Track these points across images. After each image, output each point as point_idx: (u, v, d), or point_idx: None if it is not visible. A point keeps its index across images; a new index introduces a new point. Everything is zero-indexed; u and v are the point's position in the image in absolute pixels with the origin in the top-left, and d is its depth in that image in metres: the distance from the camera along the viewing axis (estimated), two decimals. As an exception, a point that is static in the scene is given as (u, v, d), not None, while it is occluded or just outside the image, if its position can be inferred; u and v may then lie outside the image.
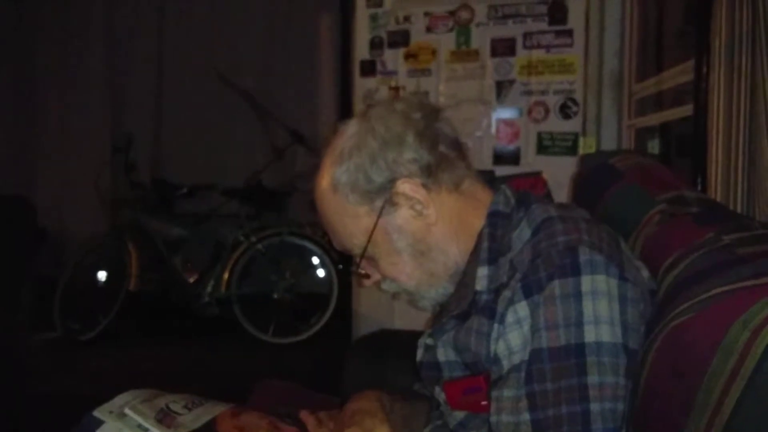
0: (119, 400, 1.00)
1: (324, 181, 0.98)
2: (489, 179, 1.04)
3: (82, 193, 4.69)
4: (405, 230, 0.96)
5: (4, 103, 4.89)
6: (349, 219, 0.97)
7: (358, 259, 0.99)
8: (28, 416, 2.33)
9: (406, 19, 2.84)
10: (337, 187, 0.96)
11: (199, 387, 1.16)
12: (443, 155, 0.96)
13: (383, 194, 0.95)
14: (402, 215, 0.95)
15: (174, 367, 3.31)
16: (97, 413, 0.97)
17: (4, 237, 2.34)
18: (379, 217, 0.95)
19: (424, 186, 0.95)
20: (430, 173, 0.95)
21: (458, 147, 0.99)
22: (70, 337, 3.79)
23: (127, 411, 0.96)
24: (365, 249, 0.97)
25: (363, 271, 1.01)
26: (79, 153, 4.85)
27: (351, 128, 0.97)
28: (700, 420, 0.67)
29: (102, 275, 4.08)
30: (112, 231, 4.06)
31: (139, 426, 0.95)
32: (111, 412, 0.97)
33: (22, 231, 2.46)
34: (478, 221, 0.96)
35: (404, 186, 0.94)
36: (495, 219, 0.95)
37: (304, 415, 1.06)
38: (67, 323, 3.81)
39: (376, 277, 1.01)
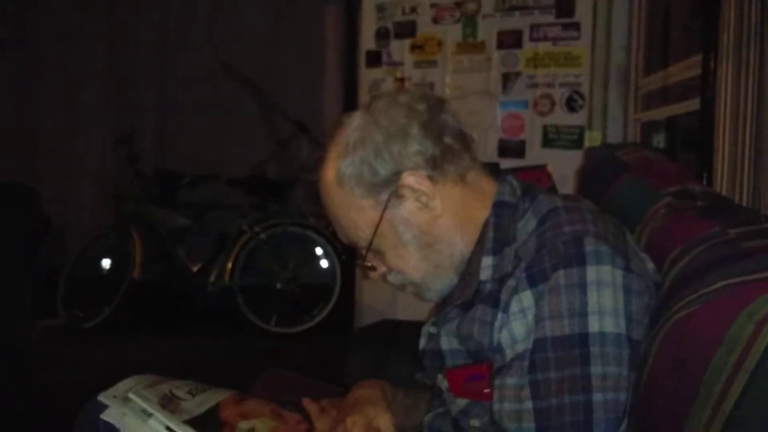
0: (123, 385, 1.01)
1: (329, 174, 0.98)
2: (494, 171, 1.04)
3: (87, 183, 4.71)
4: (411, 222, 0.96)
5: (8, 93, 4.89)
6: (355, 212, 0.97)
7: (364, 252, 0.99)
8: (31, 403, 2.35)
9: (413, 9, 2.83)
10: (343, 180, 0.96)
11: (202, 376, 1.17)
12: (448, 147, 0.95)
13: (389, 187, 0.94)
14: (408, 208, 0.95)
15: (176, 356, 3.32)
16: (101, 398, 0.98)
17: (9, 225, 2.35)
18: (384, 209, 0.95)
19: (430, 178, 0.95)
20: (435, 165, 0.94)
21: (463, 138, 0.99)
22: (73, 326, 3.80)
23: (131, 396, 0.96)
24: (371, 242, 0.97)
25: (369, 264, 1.01)
26: (83, 143, 4.85)
27: (355, 121, 0.97)
28: (703, 411, 0.67)
29: (106, 264, 4.09)
30: (116, 221, 4.07)
31: (143, 411, 0.95)
32: (115, 397, 0.98)
33: (28, 219, 2.46)
34: (483, 212, 0.96)
35: (409, 178, 0.94)
36: (500, 209, 0.95)
37: (307, 403, 1.07)
38: (70, 311, 3.83)
39: (382, 269, 1.01)
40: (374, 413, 0.98)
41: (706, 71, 1.68)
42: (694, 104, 1.92)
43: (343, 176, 0.95)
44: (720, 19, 1.59)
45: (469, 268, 0.95)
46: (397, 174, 0.94)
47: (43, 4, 4.88)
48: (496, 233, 0.93)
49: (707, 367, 0.67)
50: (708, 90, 1.67)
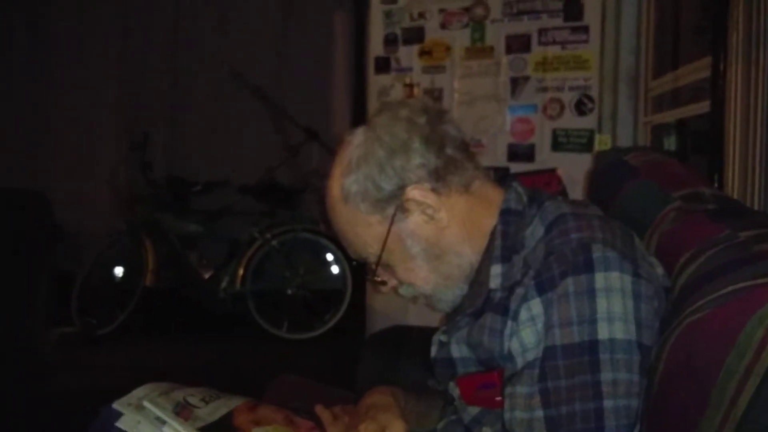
0: (138, 392, 1.02)
1: (334, 191, 0.98)
2: (501, 177, 1.05)
3: (99, 190, 4.74)
4: (418, 235, 0.96)
5: (22, 100, 4.95)
6: (362, 228, 0.98)
7: (374, 267, 1.00)
8: (46, 410, 2.37)
9: (421, 15, 2.84)
10: (348, 198, 0.96)
11: (214, 382, 1.18)
12: (451, 158, 0.96)
13: (394, 202, 0.95)
14: (414, 221, 0.96)
15: (188, 362, 3.34)
16: (116, 405, 0.99)
17: (22, 232, 2.37)
18: (391, 224, 0.96)
19: (434, 190, 0.95)
20: (438, 177, 0.95)
21: (465, 148, 0.99)
22: (87, 333, 3.83)
23: (145, 403, 0.97)
24: (380, 257, 0.97)
25: (379, 279, 1.02)
26: (95, 150, 4.89)
27: (357, 138, 0.98)
28: (715, 416, 0.67)
29: (119, 271, 4.12)
30: (128, 228, 4.10)
31: (158, 418, 0.96)
32: (129, 405, 0.98)
33: (40, 226, 2.49)
34: (490, 221, 0.96)
35: (414, 192, 0.94)
36: (507, 217, 0.95)
37: (319, 410, 1.07)
38: (84, 318, 3.86)
39: (393, 283, 1.02)
40: (387, 420, 0.98)
41: (716, 73, 1.67)
42: (704, 106, 1.91)
43: (348, 194, 0.96)
44: (729, 21, 1.59)
45: (478, 277, 0.95)
46: (401, 188, 0.95)
47: (56, 12, 4.93)
48: (504, 241, 0.94)
49: (719, 371, 0.67)
50: (718, 92, 1.66)
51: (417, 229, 0.96)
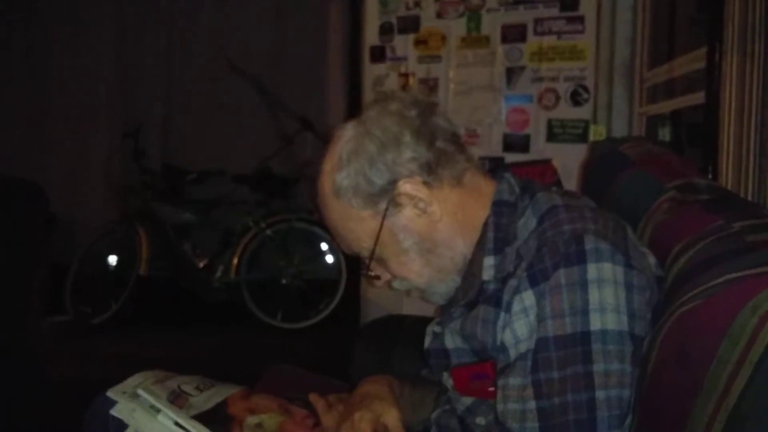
0: (132, 381, 1.02)
1: (326, 187, 0.98)
2: (494, 167, 1.04)
3: (93, 180, 4.73)
4: (411, 229, 0.96)
5: (16, 89, 4.91)
6: (355, 223, 0.97)
7: (367, 262, 1.00)
8: (40, 399, 2.37)
9: (417, 4, 2.83)
10: (340, 193, 0.96)
11: (209, 371, 1.18)
12: (442, 151, 0.96)
13: (386, 196, 0.95)
14: (406, 215, 0.96)
15: (183, 352, 3.34)
16: (110, 393, 0.99)
17: (16, 221, 2.36)
18: (383, 219, 0.95)
19: (426, 184, 0.95)
20: (430, 170, 0.95)
21: (457, 140, 0.99)
22: (81, 322, 3.82)
23: (139, 392, 0.97)
24: (373, 251, 0.97)
25: (373, 273, 1.02)
26: (89, 139, 4.86)
27: (347, 133, 0.97)
28: (707, 406, 0.67)
29: (113, 260, 4.11)
30: (122, 217, 4.09)
31: (152, 406, 0.96)
32: (124, 393, 0.99)
33: (35, 215, 2.47)
34: (482, 212, 0.96)
35: (406, 186, 0.94)
36: (500, 208, 0.95)
37: (314, 398, 1.08)
38: (78, 308, 3.85)
39: (387, 277, 1.02)
40: (382, 409, 0.98)
41: (711, 64, 1.67)
42: (699, 98, 1.91)
43: (339, 189, 0.96)
44: (725, 12, 1.59)
45: (471, 269, 0.96)
46: (393, 183, 0.94)
47: (52, 2, 4.89)
48: (497, 233, 0.94)
49: (711, 361, 0.67)
50: (713, 83, 1.66)
51: (409, 223, 0.96)
